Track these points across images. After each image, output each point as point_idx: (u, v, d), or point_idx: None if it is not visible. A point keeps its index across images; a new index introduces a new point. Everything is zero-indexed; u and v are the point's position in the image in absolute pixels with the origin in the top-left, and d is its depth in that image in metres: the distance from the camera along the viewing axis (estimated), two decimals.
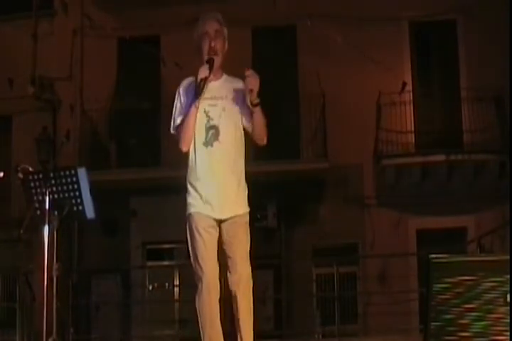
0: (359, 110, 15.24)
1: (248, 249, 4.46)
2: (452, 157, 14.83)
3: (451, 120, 15.49)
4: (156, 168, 15.16)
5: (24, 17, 16.57)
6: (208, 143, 4.39)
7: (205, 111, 4.41)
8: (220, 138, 4.39)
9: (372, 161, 15.35)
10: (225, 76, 4.54)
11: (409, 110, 15.26)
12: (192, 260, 4.38)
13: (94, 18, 16.15)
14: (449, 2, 15.49)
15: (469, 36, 15.55)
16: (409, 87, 15.24)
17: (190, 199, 4.39)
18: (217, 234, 4.39)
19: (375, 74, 15.04)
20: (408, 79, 15.44)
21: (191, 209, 4.38)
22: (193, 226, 4.36)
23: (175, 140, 4.50)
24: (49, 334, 5.31)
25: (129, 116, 15.98)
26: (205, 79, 4.34)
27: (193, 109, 4.37)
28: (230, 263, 4.38)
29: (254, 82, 4.31)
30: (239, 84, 4.47)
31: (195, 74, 4.47)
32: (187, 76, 4.64)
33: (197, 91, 4.35)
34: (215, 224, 4.38)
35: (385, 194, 15.26)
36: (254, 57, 16.00)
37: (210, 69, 4.38)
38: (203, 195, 4.36)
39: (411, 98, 15.29)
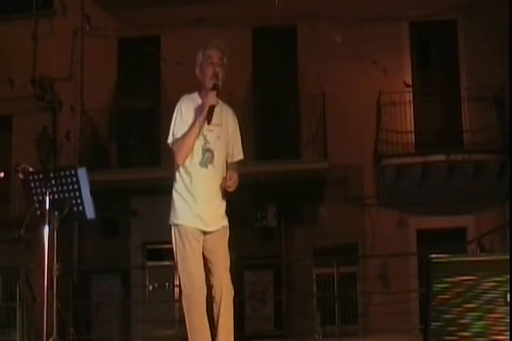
0: (359, 110, 15.24)
1: (229, 260, 4.73)
2: (452, 157, 14.82)
3: (451, 120, 15.48)
4: (156, 168, 15.13)
5: (24, 17, 16.57)
6: (203, 164, 4.68)
7: (203, 134, 4.68)
8: (214, 162, 4.70)
9: (373, 161, 15.35)
10: (220, 102, 4.76)
11: (410, 110, 15.26)
12: (180, 265, 4.66)
13: (94, 18, 16.14)
14: (449, 2, 15.49)
15: (469, 36, 15.56)
16: (409, 87, 15.24)
17: (179, 209, 4.71)
18: (202, 239, 4.69)
19: (375, 74, 15.03)
20: (408, 79, 15.44)
21: (180, 221, 4.70)
22: (183, 235, 4.67)
23: (172, 152, 4.72)
24: (49, 334, 5.31)
25: (129, 117, 15.99)
26: (214, 107, 4.61)
27: (196, 129, 4.62)
28: (213, 270, 4.66)
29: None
30: (230, 113, 4.82)
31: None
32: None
33: (207, 118, 4.60)
34: (201, 234, 4.68)
35: (385, 194, 15.26)
36: (254, 57, 16.02)
37: (217, 95, 4.63)
38: (193, 208, 4.67)
39: (411, 98, 15.29)
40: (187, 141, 4.62)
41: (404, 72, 15.54)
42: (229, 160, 4.79)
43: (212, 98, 4.60)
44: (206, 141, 4.68)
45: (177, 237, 4.68)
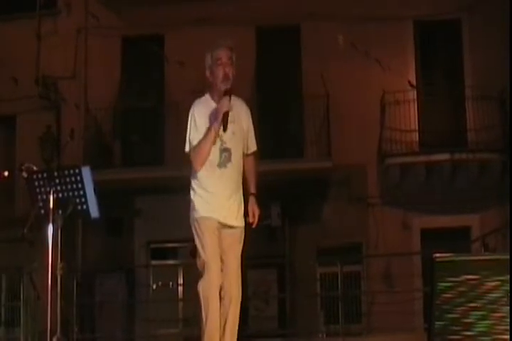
0: (363, 109, 15.22)
1: (240, 262, 4.79)
2: (456, 156, 14.80)
3: (455, 119, 15.46)
4: (160, 167, 15.16)
5: (28, 16, 16.57)
6: (221, 165, 4.74)
7: (218, 135, 4.71)
8: (232, 159, 4.76)
9: (377, 160, 15.34)
10: (232, 98, 4.77)
11: (414, 109, 15.24)
12: (200, 252, 4.67)
13: (98, 17, 16.15)
14: (453, 1, 15.46)
15: (473, 35, 15.53)
16: (413, 88, 15.22)
17: (198, 207, 4.73)
18: (219, 238, 4.73)
19: (379, 74, 15.02)
20: (412, 78, 15.42)
21: (200, 214, 4.71)
22: (202, 227, 4.69)
23: (190, 159, 4.77)
24: (53, 333, 5.32)
25: (133, 115, 15.99)
26: (228, 113, 4.64)
27: (211, 135, 4.66)
28: (224, 271, 4.69)
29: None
30: (243, 106, 4.87)
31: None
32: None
33: (223, 124, 4.63)
34: (219, 227, 4.72)
35: (389, 193, 15.24)
36: (258, 57, 16.00)
37: (230, 98, 4.67)
38: (212, 205, 4.71)
39: (415, 97, 15.27)
40: (203, 148, 4.67)
41: (408, 71, 15.53)
42: (245, 152, 4.87)
43: (225, 104, 4.63)
44: (222, 142, 4.73)
45: (197, 229, 4.70)
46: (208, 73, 4.80)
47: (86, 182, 5.42)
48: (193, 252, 4.82)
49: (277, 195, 14.76)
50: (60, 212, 5.38)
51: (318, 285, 14.80)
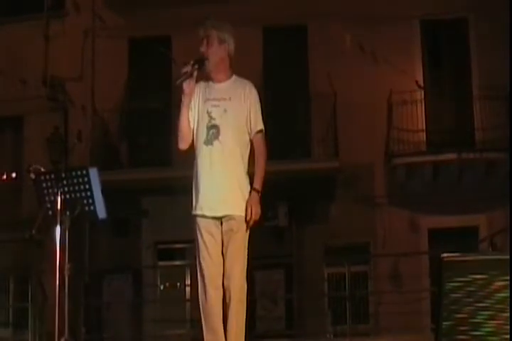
0: (370, 109, 15.21)
1: (245, 256, 4.56)
2: (464, 155, 14.78)
3: (462, 118, 15.44)
4: (168, 168, 15.17)
5: (35, 18, 16.61)
6: (208, 142, 4.56)
7: (207, 112, 4.59)
8: (221, 137, 4.54)
9: (384, 160, 15.33)
10: (234, 77, 4.69)
11: (421, 109, 15.23)
12: (197, 258, 4.56)
13: (105, 19, 16.18)
14: (461, 0, 15.45)
15: (481, 34, 15.50)
16: (421, 88, 15.21)
17: (194, 197, 4.59)
18: (220, 232, 4.53)
19: (386, 73, 15.01)
20: (419, 77, 15.41)
21: (195, 211, 4.58)
22: (197, 228, 4.57)
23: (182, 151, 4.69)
24: (61, 334, 5.32)
25: (140, 116, 16.01)
26: (184, 74, 4.52)
27: (183, 109, 4.61)
28: (225, 266, 4.51)
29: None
30: (246, 87, 4.66)
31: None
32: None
33: (181, 85, 4.56)
34: (217, 222, 4.54)
35: (396, 193, 15.23)
36: (265, 56, 16.02)
37: (195, 66, 4.53)
38: (202, 193, 4.53)
39: (422, 97, 15.25)
40: (178, 125, 4.61)
41: (415, 70, 15.51)
42: (252, 134, 4.63)
43: (184, 67, 4.54)
44: (211, 118, 4.57)
45: (195, 229, 4.57)
46: None
47: (93, 183, 5.42)
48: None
49: (284, 194, 14.77)
50: (68, 213, 5.38)
51: (325, 285, 14.80)
